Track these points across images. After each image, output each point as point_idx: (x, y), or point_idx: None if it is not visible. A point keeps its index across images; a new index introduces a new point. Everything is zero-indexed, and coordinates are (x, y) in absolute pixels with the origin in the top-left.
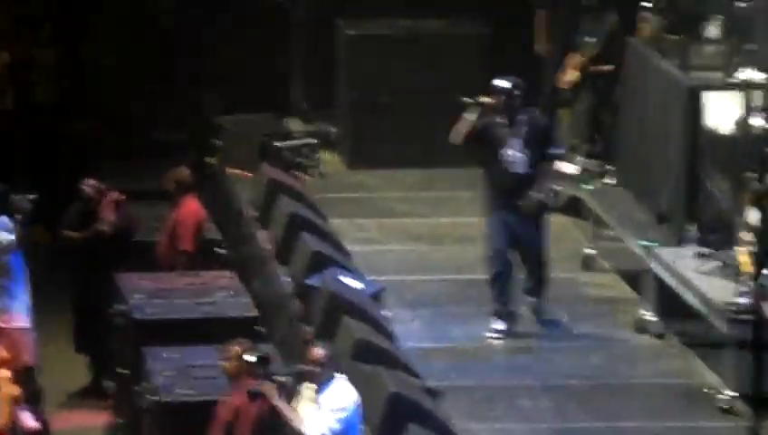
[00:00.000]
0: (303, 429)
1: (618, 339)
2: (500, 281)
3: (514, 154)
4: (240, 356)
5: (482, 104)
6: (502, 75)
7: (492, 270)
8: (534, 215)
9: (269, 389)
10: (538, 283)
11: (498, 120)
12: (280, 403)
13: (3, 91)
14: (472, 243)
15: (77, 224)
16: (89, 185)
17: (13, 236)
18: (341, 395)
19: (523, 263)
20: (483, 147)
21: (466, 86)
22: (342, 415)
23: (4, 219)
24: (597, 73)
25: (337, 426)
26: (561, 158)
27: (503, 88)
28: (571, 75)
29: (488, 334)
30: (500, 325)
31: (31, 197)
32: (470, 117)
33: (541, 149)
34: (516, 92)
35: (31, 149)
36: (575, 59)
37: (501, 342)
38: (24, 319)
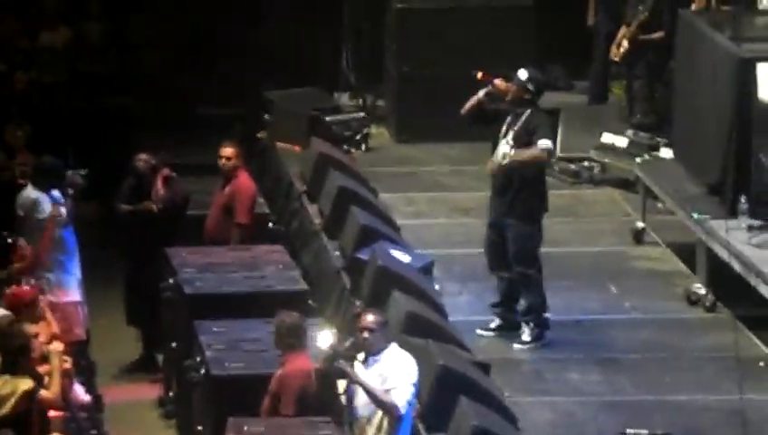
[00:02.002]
0: (388, 400)
1: (669, 312)
2: (496, 278)
3: (504, 147)
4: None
5: (492, 83)
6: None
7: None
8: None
9: (343, 363)
10: (509, 294)
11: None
12: (361, 378)
13: (57, 66)
14: None
15: (130, 199)
16: (141, 160)
17: (65, 211)
18: (407, 365)
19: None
20: (495, 131)
21: (513, 59)
22: (412, 387)
23: (57, 194)
24: (646, 42)
25: (412, 398)
26: (548, 152)
27: (517, 78)
28: (622, 47)
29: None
30: (495, 322)
31: (83, 172)
32: (480, 93)
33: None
34: (529, 86)
35: (79, 124)
36: (625, 30)
37: (550, 315)
38: (76, 293)
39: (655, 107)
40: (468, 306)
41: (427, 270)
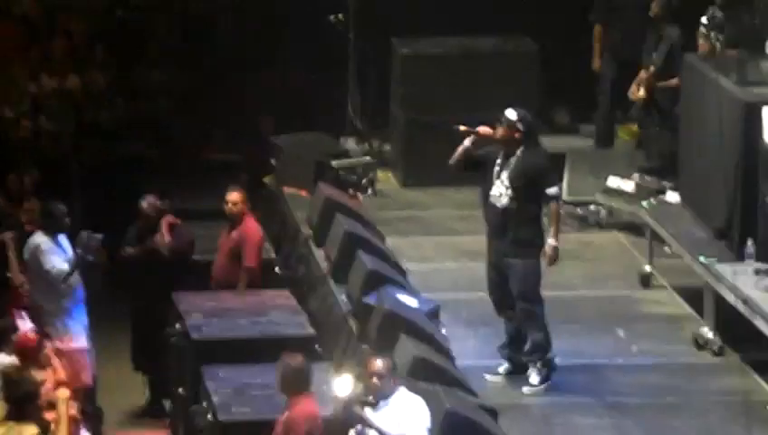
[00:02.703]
0: None
1: (676, 356)
2: (504, 320)
3: (499, 188)
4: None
5: (477, 133)
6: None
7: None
8: (553, 262)
9: (359, 409)
10: (517, 334)
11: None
12: (377, 424)
13: (65, 115)
14: None
15: (136, 242)
16: (148, 203)
17: (67, 266)
18: (420, 409)
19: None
20: (481, 177)
21: (519, 104)
22: (427, 433)
23: (65, 240)
24: (664, 88)
25: None
26: (557, 199)
27: (506, 118)
28: (640, 91)
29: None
30: (504, 365)
31: (100, 236)
32: (466, 143)
33: (533, 188)
34: (519, 126)
35: (85, 171)
36: (643, 75)
37: (558, 360)
38: (82, 339)
39: (661, 151)
40: (476, 351)
41: (434, 314)
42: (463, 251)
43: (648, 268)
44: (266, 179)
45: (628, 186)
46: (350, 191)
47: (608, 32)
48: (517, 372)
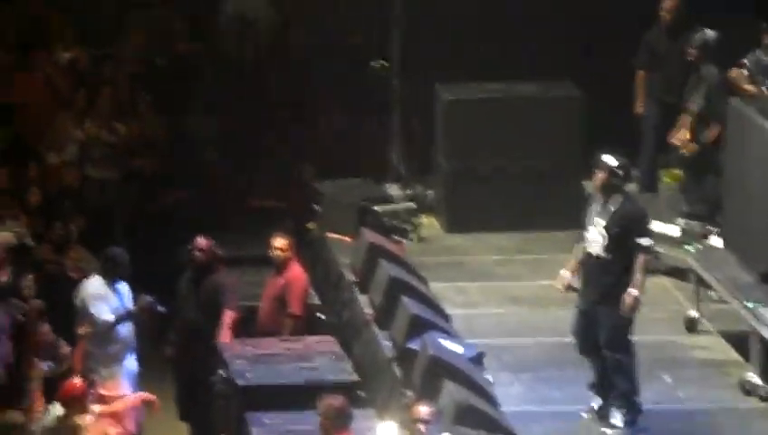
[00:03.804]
0: None
1: (723, 401)
2: (589, 361)
3: (594, 234)
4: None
5: None
6: (606, 146)
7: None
8: (631, 312)
9: None
10: (602, 384)
11: (596, 196)
12: None
13: (109, 162)
14: (571, 305)
15: (194, 289)
16: (200, 247)
17: (111, 316)
18: None
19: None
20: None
21: (563, 149)
22: None
23: (123, 287)
24: (708, 141)
25: None
26: (649, 250)
27: (605, 163)
28: (682, 135)
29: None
30: (594, 403)
31: (162, 309)
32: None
33: (628, 237)
34: (618, 171)
35: (132, 219)
36: (685, 118)
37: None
38: (128, 387)
39: (705, 195)
40: (520, 396)
41: (478, 360)
42: (506, 296)
43: (693, 313)
44: (310, 225)
45: (673, 230)
46: (394, 237)
47: (650, 76)
48: (604, 411)
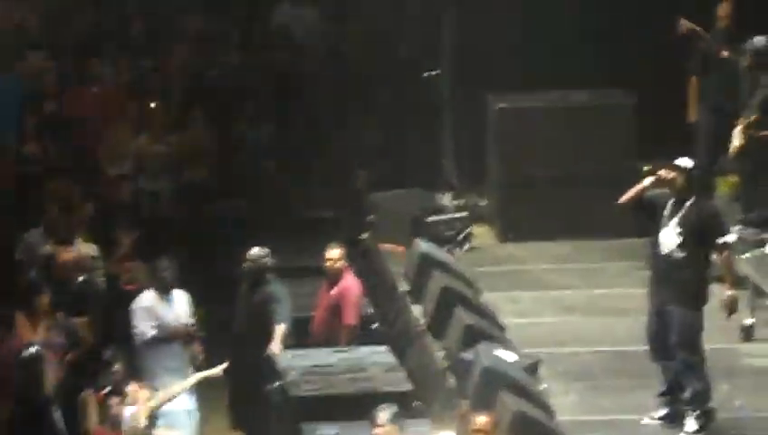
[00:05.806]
0: None
1: None
2: (660, 366)
3: (668, 235)
4: None
5: (656, 175)
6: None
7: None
8: (733, 312)
9: None
10: (672, 391)
11: (671, 198)
12: None
13: (163, 174)
14: (625, 314)
15: (251, 298)
16: (252, 259)
17: (153, 332)
18: None
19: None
20: (648, 220)
21: (615, 157)
22: None
23: (179, 296)
24: (762, 139)
25: None
26: (728, 247)
27: (681, 166)
28: (737, 141)
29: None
30: (661, 411)
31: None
32: (645, 183)
33: (705, 236)
34: (695, 173)
35: (185, 230)
36: (740, 125)
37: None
38: (185, 400)
39: (760, 202)
40: (575, 406)
41: (532, 370)
42: (561, 305)
43: (749, 321)
44: (363, 236)
45: (729, 238)
46: (447, 247)
47: (704, 83)
48: (674, 421)
